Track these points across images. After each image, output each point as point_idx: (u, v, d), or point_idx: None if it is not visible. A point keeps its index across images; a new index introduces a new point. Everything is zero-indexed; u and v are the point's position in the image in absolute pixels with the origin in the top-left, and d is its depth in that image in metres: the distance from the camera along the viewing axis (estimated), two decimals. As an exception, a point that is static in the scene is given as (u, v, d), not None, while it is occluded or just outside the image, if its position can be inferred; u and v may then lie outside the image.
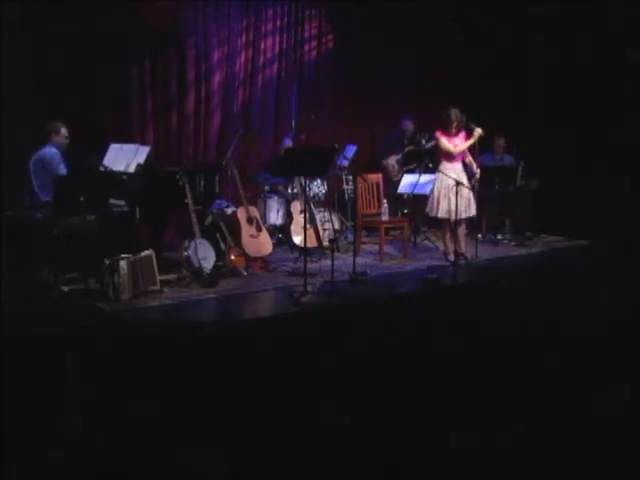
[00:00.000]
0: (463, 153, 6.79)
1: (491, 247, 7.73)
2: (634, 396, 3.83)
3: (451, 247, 6.86)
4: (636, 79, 7.91)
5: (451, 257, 6.81)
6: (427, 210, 6.89)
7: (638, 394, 3.86)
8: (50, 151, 5.84)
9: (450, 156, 6.72)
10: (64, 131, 5.96)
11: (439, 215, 6.77)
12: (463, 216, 6.74)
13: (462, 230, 6.86)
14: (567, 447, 3.26)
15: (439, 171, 6.78)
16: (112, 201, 5.74)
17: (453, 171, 6.70)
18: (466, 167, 6.84)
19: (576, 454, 3.20)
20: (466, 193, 6.69)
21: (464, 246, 6.82)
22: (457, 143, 6.73)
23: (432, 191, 6.81)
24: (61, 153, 5.89)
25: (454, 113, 6.69)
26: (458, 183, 6.52)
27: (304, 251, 5.70)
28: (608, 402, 3.73)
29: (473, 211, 6.80)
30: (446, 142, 6.71)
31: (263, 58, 8.34)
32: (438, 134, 6.77)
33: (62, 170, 5.79)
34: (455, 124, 6.68)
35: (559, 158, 8.20)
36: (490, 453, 3.22)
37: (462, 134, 6.77)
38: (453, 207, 6.63)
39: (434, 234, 7.84)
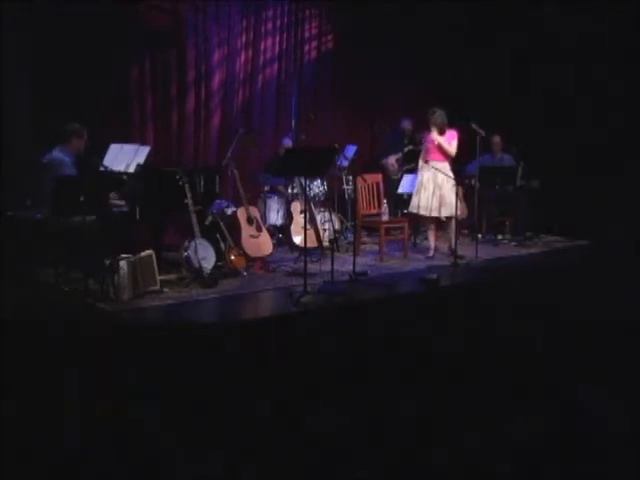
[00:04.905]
0: (441, 153, 6.84)
1: (491, 247, 7.73)
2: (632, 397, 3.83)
3: (432, 244, 7.03)
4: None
5: (430, 253, 6.98)
6: None
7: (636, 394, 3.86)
8: (61, 157, 5.61)
9: (426, 154, 6.91)
10: (86, 136, 5.77)
11: (409, 209, 7.07)
12: (434, 214, 6.84)
13: (451, 228, 6.93)
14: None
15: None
16: (112, 201, 5.74)
17: (427, 169, 6.86)
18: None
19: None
20: (442, 191, 6.78)
21: (454, 244, 6.81)
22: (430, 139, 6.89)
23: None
24: (74, 159, 5.69)
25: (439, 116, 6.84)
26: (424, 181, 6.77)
27: (304, 251, 5.70)
28: (607, 403, 3.73)
29: (448, 211, 6.81)
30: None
31: (263, 58, 8.35)
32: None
33: None
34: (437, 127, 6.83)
35: (559, 158, 8.21)
36: (490, 453, 3.22)
37: (448, 134, 6.86)
38: (423, 203, 6.81)
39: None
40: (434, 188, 6.78)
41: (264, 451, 3.19)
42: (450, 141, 6.83)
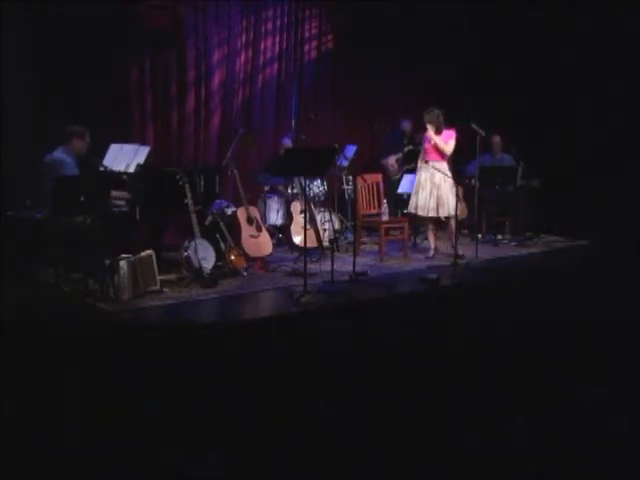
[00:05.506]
0: (440, 153, 6.83)
1: (491, 247, 7.73)
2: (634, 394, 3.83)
3: (432, 244, 7.06)
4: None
5: (430, 253, 7.00)
6: None
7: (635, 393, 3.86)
8: (62, 158, 5.60)
9: (425, 154, 6.91)
10: (88, 137, 5.77)
11: (407, 209, 7.10)
12: (431, 214, 6.85)
13: (450, 227, 6.97)
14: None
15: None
16: (112, 201, 5.74)
17: (426, 169, 6.86)
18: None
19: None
20: (439, 192, 6.78)
21: (454, 244, 6.80)
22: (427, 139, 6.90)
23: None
24: (76, 160, 5.68)
25: (434, 114, 6.84)
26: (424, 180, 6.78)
27: (304, 251, 5.70)
28: (606, 403, 3.73)
29: (446, 211, 6.82)
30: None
31: (263, 58, 8.34)
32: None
33: None
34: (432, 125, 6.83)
35: (559, 158, 8.21)
36: (489, 453, 3.22)
37: (446, 133, 6.85)
38: (421, 203, 6.83)
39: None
40: (431, 188, 6.79)
41: (264, 451, 3.19)
42: (447, 140, 6.82)
